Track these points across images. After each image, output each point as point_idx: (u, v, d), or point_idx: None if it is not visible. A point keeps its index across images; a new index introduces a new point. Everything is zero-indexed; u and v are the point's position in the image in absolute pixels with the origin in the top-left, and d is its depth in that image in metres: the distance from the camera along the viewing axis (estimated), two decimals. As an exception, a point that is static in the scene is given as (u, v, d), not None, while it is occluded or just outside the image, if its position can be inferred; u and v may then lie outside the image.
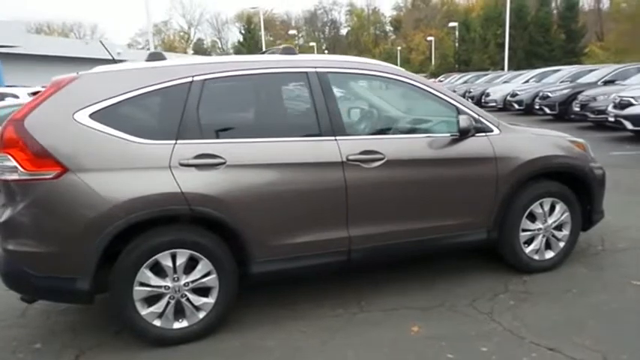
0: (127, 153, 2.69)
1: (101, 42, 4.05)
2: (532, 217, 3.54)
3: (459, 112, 3.25)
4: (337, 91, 3.10)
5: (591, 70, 15.93)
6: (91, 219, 2.59)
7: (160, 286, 2.77)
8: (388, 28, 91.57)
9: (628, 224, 4.53)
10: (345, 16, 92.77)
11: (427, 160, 3.18)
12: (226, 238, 2.86)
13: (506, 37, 32.08)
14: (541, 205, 3.53)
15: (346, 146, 3.00)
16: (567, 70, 17.64)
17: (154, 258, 2.73)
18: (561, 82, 16.08)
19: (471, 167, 3.28)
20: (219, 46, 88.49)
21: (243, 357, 2.74)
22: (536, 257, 3.59)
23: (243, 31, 50.94)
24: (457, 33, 48.54)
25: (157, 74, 2.84)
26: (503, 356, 2.59)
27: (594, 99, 12.01)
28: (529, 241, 3.57)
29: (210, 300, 2.88)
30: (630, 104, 9.60)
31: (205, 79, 2.86)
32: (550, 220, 3.58)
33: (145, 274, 2.73)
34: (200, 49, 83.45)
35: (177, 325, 2.85)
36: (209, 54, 76.42)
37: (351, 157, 2.99)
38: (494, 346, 2.68)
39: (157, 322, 2.81)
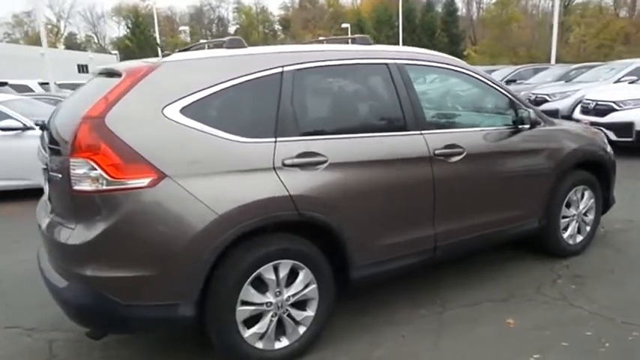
0: (227, 153, 2.32)
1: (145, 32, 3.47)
2: (567, 205, 3.74)
3: (516, 106, 3.33)
4: (415, 84, 2.98)
5: (491, 71, 17.42)
6: (197, 232, 2.20)
7: (262, 303, 2.45)
8: (277, 27, 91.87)
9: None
10: (233, 14, 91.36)
11: (499, 152, 3.22)
12: (325, 243, 2.61)
13: (400, 39, 33.90)
14: (575, 192, 3.75)
15: (432, 140, 2.91)
16: (468, 70, 19.11)
17: (257, 272, 2.40)
18: (465, 81, 17.35)
19: (532, 158, 3.38)
20: (96, 41, 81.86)
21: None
22: (570, 242, 3.81)
23: (130, 26, 47.48)
24: (349, 34, 50.13)
25: (246, 63, 2.50)
26: (610, 338, 2.68)
27: (505, 96, 13.16)
28: (565, 227, 3.77)
29: (311, 313, 2.61)
30: (545, 101, 10.68)
31: (296, 70, 2.58)
32: (581, 206, 3.82)
33: (249, 290, 2.40)
34: (73, 44, 76.38)
35: (278, 344, 2.54)
36: (84, 49, 70.24)
37: (437, 152, 2.91)
38: (595, 330, 2.77)
39: (260, 344, 2.48)
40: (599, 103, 8.23)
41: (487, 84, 3.30)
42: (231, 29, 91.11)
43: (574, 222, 3.79)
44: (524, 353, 2.58)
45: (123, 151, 2.13)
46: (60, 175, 2.24)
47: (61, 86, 17.86)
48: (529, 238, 3.67)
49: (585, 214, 3.88)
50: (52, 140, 2.47)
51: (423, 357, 2.62)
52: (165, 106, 2.24)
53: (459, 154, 2.99)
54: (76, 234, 2.17)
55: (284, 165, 2.42)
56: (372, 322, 2.98)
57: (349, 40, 3.10)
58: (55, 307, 3.26)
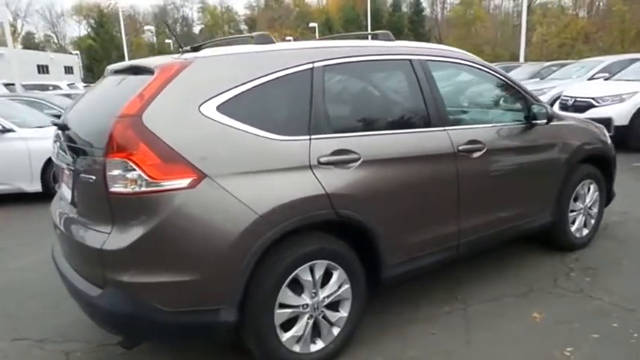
0: (265, 152, 2.25)
1: (166, 23, 3.32)
2: (575, 198, 3.80)
3: (531, 102, 3.36)
4: (437, 80, 2.97)
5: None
6: (239, 234, 2.11)
7: (298, 306, 2.38)
8: (243, 26, 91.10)
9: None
10: (198, 14, 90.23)
11: (517, 147, 3.24)
12: (357, 242, 2.57)
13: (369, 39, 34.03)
14: (582, 186, 3.82)
15: (455, 136, 2.90)
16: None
17: (295, 273, 2.33)
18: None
19: (546, 153, 3.43)
20: (55, 40, 79.11)
21: (400, 371, 2.49)
22: (577, 235, 3.88)
23: (93, 25, 46.06)
24: (317, 34, 50.16)
25: (278, 59, 2.43)
26: (638, 329, 2.73)
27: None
28: (573, 221, 3.83)
29: (344, 314, 2.56)
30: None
31: (325, 66, 2.52)
32: (587, 200, 3.90)
33: (287, 293, 2.33)
34: (31, 44, 73.52)
35: (313, 347, 2.48)
36: (43, 49, 67.75)
37: (461, 148, 2.90)
38: (620, 322, 2.81)
39: (297, 348, 2.42)
40: (578, 99, 8.48)
41: (503, 80, 3.33)
42: (196, 29, 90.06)
43: (581, 215, 3.87)
44: (557, 347, 2.60)
45: (162, 151, 2.02)
46: (93, 177, 2.11)
47: (26, 87, 17.19)
48: (541, 233, 3.71)
49: (590, 208, 3.96)
50: (77, 141, 2.33)
51: (457, 354, 2.60)
52: (202, 104, 2.15)
53: (480, 149, 2.99)
54: (112, 239, 2.05)
55: (319, 163, 2.36)
56: (398, 320, 2.94)
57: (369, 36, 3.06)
58: (63, 315, 3.13)
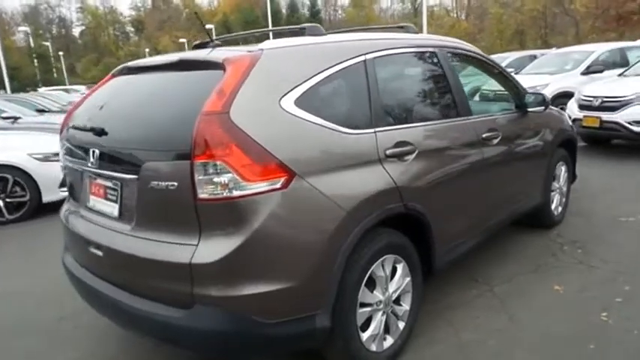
0: (342, 146, 2.16)
1: (196, 14, 3.01)
2: (553, 179, 4.14)
3: (520, 91, 3.61)
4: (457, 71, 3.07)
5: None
6: (332, 233, 2.01)
7: (373, 303, 2.33)
8: (129, 28, 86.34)
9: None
10: (77, 14, 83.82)
11: (522, 134, 3.47)
12: (414, 233, 2.56)
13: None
14: (558, 167, 4.17)
15: (479, 125, 3.03)
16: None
17: (371, 269, 2.28)
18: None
19: (541, 137, 3.71)
20: None
21: (468, 357, 2.53)
22: (555, 213, 4.23)
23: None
24: (214, 35, 49.06)
25: (336, 51, 2.35)
26: (650, 292, 3.06)
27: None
28: (552, 200, 4.17)
29: (407, 307, 2.55)
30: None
31: (375, 57, 2.48)
32: (561, 180, 4.26)
33: (365, 291, 2.27)
34: None
35: (385, 344, 2.44)
36: None
37: (484, 136, 3.03)
38: (630, 286, 3.08)
39: (373, 347, 2.36)
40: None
41: (501, 71, 3.56)
42: (76, 30, 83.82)
43: (557, 195, 4.22)
44: (592, 313, 2.81)
45: (253, 150, 1.86)
46: (173, 184, 1.86)
47: None
48: (534, 213, 3.96)
49: (561, 187, 4.33)
50: (137, 146, 2.05)
51: (509, 332, 2.69)
52: (281, 98, 2.01)
53: (497, 137, 3.14)
54: (202, 251, 1.83)
55: (386, 156, 2.33)
56: (436, 308, 2.98)
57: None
58: (68, 350, 2.75)
